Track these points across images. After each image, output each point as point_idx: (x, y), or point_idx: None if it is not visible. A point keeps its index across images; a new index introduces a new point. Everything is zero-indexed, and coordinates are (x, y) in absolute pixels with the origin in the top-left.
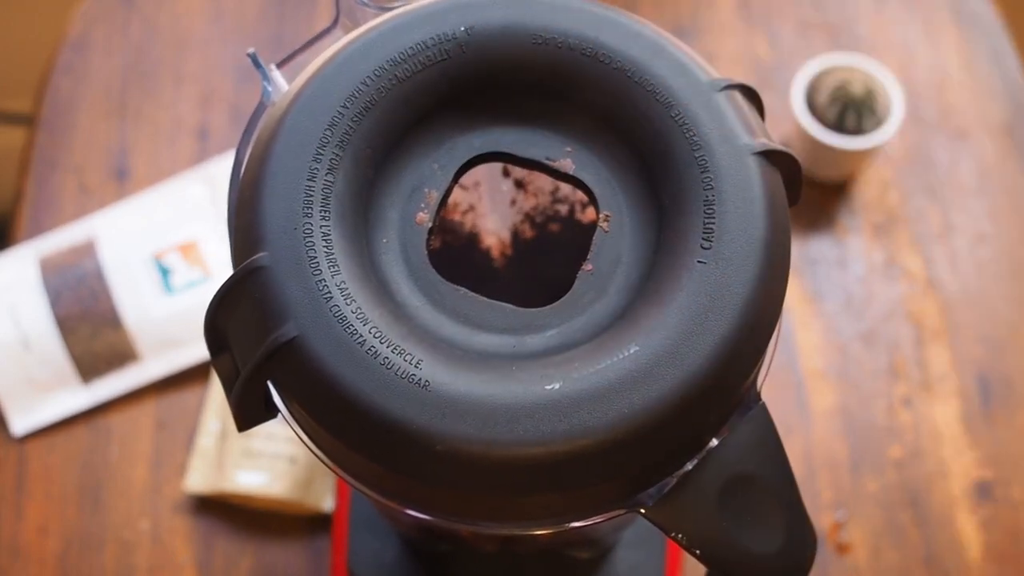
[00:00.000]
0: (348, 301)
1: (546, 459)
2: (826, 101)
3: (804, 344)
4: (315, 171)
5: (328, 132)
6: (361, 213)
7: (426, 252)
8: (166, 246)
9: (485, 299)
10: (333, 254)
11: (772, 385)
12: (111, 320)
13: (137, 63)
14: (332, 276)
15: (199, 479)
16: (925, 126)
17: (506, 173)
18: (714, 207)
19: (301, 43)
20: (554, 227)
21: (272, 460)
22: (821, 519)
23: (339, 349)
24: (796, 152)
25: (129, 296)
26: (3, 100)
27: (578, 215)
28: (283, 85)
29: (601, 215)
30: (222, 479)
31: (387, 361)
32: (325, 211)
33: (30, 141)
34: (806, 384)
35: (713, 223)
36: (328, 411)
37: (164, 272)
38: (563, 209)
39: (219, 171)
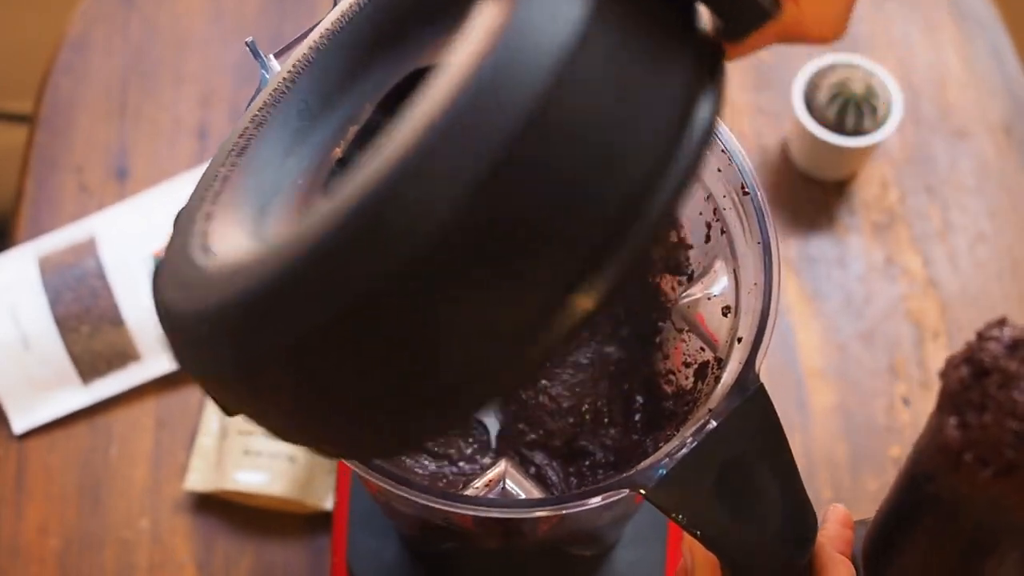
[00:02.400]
0: (205, 219)
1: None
2: (826, 99)
3: (804, 343)
4: (247, 131)
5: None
6: (286, 159)
7: (325, 178)
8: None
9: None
10: (221, 192)
11: (771, 384)
12: (111, 319)
13: (137, 63)
14: (211, 204)
15: (199, 478)
16: (924, 125)
17: None
18: None
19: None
20: None
21: (272, 459)
22: (820, 519)
23: (172, 257)
24: (796, 151)
25: (129, 295)
26: (3, 100)
27: None
28: None
29: None
30: (222, 478)
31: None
32: (237, 158)
33: (30, 141)
34: (806, 383)
35: None
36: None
37: None
38: None
39: None
